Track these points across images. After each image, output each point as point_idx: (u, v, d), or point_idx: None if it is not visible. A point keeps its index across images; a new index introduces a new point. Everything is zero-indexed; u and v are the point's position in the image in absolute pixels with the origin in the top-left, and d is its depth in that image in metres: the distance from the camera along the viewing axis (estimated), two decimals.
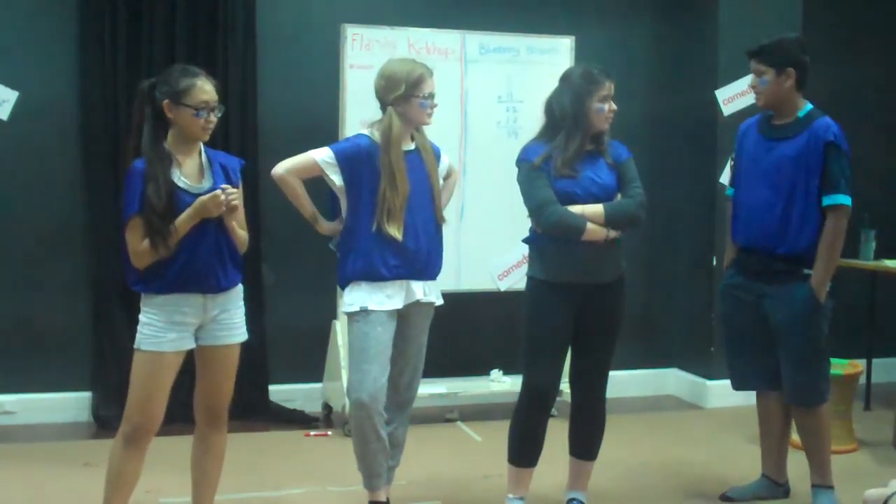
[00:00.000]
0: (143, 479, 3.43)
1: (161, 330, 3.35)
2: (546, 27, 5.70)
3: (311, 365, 5.48)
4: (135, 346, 3.38)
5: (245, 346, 3.61)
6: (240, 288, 3.55)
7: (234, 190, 3.42)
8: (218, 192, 3.35)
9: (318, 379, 5.46)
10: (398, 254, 3.73)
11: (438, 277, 3.94)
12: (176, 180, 3.35)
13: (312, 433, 5.26)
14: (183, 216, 3.32)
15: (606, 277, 3.84)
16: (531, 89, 5.42)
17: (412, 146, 3.84)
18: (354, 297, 3.75)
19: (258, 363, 5.47)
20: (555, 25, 5.74)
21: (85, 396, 5.39)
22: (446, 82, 5.35)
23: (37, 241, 5.35)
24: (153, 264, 3.32)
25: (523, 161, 3.83)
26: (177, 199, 3.32)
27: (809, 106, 4.07)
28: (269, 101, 5.55)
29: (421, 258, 3.79)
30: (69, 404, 5.39)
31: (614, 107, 3.81)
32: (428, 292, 3.85)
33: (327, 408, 5.45)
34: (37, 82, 5.27)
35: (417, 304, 3.82)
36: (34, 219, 5.34)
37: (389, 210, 3.69)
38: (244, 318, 3.57)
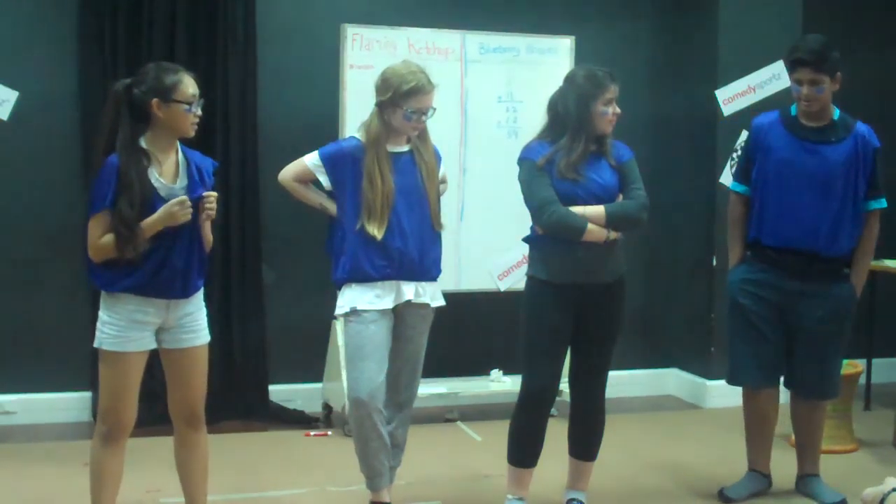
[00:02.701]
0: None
1: (123, 330, 3.33)
2: (546, 27, 5.70)
3: (311, 365, 5.48)
4: (95, 345, 3.37)
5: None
6: (202, 291, 3.52)
7: (213, 195, 3.39)
8: (184, 198, 3.32)
9: (318, 379, 5.46)
10: (385, 254, 3.74)
11: (438, 279, 3.94)
12: (153, 181, 3.33)
13: (312, 433, 5.25)
14: (150, 220, 3.28)
15: (607, 278, 3.83)
16: (531, 89, 5.42)
17: (404, 148, 3.84)
18: (345, 300, 3.79)
19: (258, 363, 5.47)
20: (555, 25, 5.74)
21: (85, 396, 5.39)
22: (446, 82, 5.32)
23: (37, 242, 5.35)
24: (125, 264, 3.29)
25: (525, 159, 3.82)
26: (150, 201, 3.30)
27: (836, 108, 4.16)
28: (269, 101, 5.55)
29: (410, 259, 3.78)
30: (69, 404, 5.39)
31: (618, 110, 3.80)
32: (422, 293, 3.84)
33: (327, 408, 5.44)
34: (37, 82, 5.25)
35: (412, 305, 3.81)
36: (34, 219, 5.34)
37: (369, 208, 3.72)
38: (206, 319, 3.54)
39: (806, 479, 4.30)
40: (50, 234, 5.34)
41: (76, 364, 5.37)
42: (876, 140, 4.13)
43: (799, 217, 4.08)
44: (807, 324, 4.12)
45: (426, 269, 3.86)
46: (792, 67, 4.12)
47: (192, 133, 3.41)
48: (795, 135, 4.13)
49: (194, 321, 3.47)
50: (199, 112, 3.40)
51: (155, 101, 3.32)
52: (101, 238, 3.28)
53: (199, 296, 3.50)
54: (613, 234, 3.76)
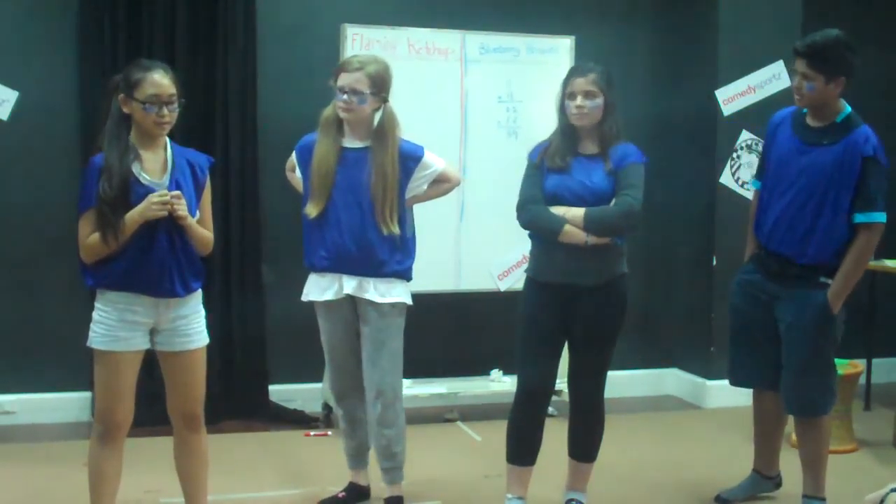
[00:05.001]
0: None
1: (112, 329, 3.31)
2: (546, 27, 5.70)
3: (311, 365, 5.46)
4: (87, 344, 3.36)
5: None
6: (198, 294, 3.48)
7: (175, 193, 3.30)
8: (163, 192, 3.29)
9: (318, 379, 5.45)
10: (324, 245, 3.87)
11: (395, 277, 3.93)
12: (137, 174, 3.30)
13: (312, 433, 5.26)
14: (132, 212, 3.26)
15: (588, 281, 3.77)
16: (531, 89, 5.43)
17: (360, 144, 3.87)
18: (305, 288, 3.99)
19: (258, 363, 5.47)
20: (555, 25, 5.74)
21: (85, 396, 5.39)
22: (446, 82, 5.37)
23: (37, 241, 5.35)
24: (104, 260, 3.29)
25: (527, 158, 3.90)
26: (133, 192, 3.27)
27: (848, 109, 3.92)
28: (269, 101, 5.55)
29: (346, 252, 3.84)
30: (69, 404, 5.39)
31: (580, 103, 3.73)
32: (366, 288, 3.85)
33: (327, 408, 5.44)
34: (37, 82, 5.26)
35: (363, 301, 3.86)
36: (34, 219, 5.34)
37: (313, 188, 3.85)
38: (204, 322, 3.50)
39: (803, 501, 4.10)
40: (49, 234, 5.34)
41: (76, 364, 5.35)
42: (870, 149, 3.79)
43: (778, 219, 3.95)
44: (783, 330, 3.98)
45: (372, 265, 3.85)
46: (792, 55, 3.95)
47: (157, 132, 3.34)
48: (796, 133, 3.98)
49: (188, 324, 3.42)
50: (165, 113, 3.30)
51: (121, 95, 3.32)
52: (89, 237, 3.28)
53: (195, 298, 3.45)
54: (593, 239, 3.69)
